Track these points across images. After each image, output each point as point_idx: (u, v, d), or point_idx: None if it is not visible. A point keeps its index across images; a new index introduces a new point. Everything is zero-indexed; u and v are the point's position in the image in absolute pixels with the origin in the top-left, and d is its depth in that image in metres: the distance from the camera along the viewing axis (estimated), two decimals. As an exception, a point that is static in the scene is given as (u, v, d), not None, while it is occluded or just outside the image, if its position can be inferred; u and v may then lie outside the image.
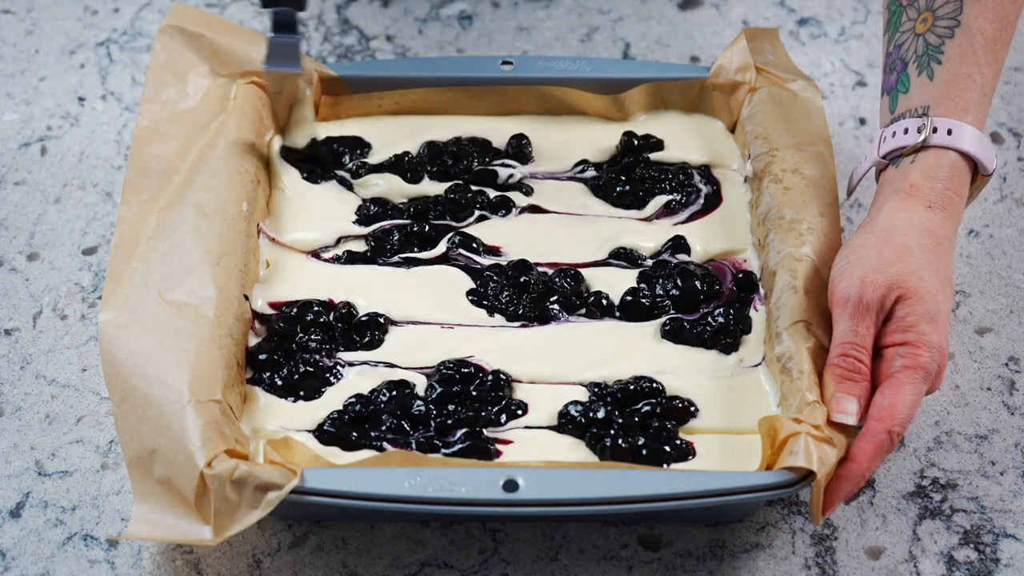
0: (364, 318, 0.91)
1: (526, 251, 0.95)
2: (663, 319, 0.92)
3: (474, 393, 0.86)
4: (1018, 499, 0.89)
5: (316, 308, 0.90)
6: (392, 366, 0.89)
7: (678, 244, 0.96)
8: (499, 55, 1.11)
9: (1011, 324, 0.99)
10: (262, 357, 0.88)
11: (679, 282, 0.93)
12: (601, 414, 0.85)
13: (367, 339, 0.90)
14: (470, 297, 0.93)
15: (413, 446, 0.84)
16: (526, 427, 0.86)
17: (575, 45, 1.20)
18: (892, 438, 0.80)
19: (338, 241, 0.96)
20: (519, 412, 0.86)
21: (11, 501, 0.87)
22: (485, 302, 0.93)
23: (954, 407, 0.94)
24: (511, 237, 0.97)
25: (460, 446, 0.84)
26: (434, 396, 0.86)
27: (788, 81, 1.02)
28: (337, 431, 0.84)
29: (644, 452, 0.83)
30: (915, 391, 0.81)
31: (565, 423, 0.85)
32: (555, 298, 0.92)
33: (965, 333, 0.98)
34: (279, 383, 0.87)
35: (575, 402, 0.86)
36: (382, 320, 0.91)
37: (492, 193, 0.99)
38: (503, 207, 0.98)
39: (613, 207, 0.99)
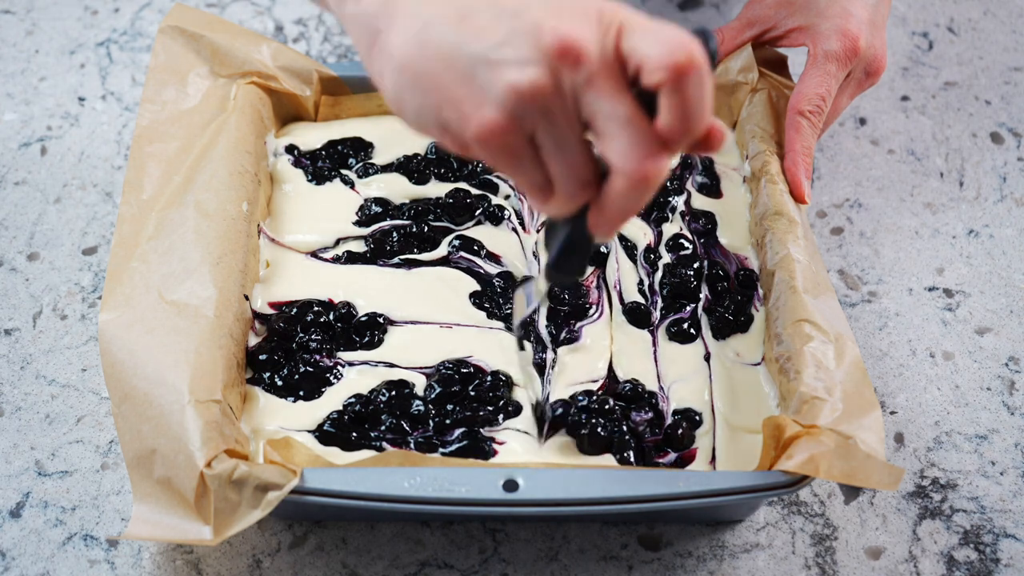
0: (364, 318, 0.91)
1: (524, 261, 0.96)
2: (667, 322, 0.92)
3: (472, 393, 0.86)
4: (1018, 499, 0.89)
5: (316, 308, 0.90)
6: (392, 366, 0.89)
7: (677, 242, 0.97)
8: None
9: (1011, 324, 0.99)
10: (262, 357, 0.88)
11: (681, 280, 0.94)
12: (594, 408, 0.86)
13: (366, 339, 0.90)
14: (473, 300, 0.93)
15: (412, 445, 0.84)
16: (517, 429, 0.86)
17: (575, 45, 1.20)
18: (808, 118, 0.95)
19: (337, 242, 0.96)
20: (515, 413, 0.87)
21: (11, 501, 0.87)
22: (487, 305, 0.93)
23: (954, 407, 0.94)
24: (514, 248, 0.97)
25: (457, 445, 0.84)
26: (433, 396, 0.86)
27: (788, 83, 1.02)
28: (337, 431, 0.84)
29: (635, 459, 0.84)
30: (817, 74, 0.96)
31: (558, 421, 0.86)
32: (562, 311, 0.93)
33: (965, 333, 0.98)
34: (279, 383, 0.87)
35: (564, 401, 0.87)
36: (381, 320, 0.91)
37: (494, 200, 0.99)
38: (502, 218, 0.98)
39: None
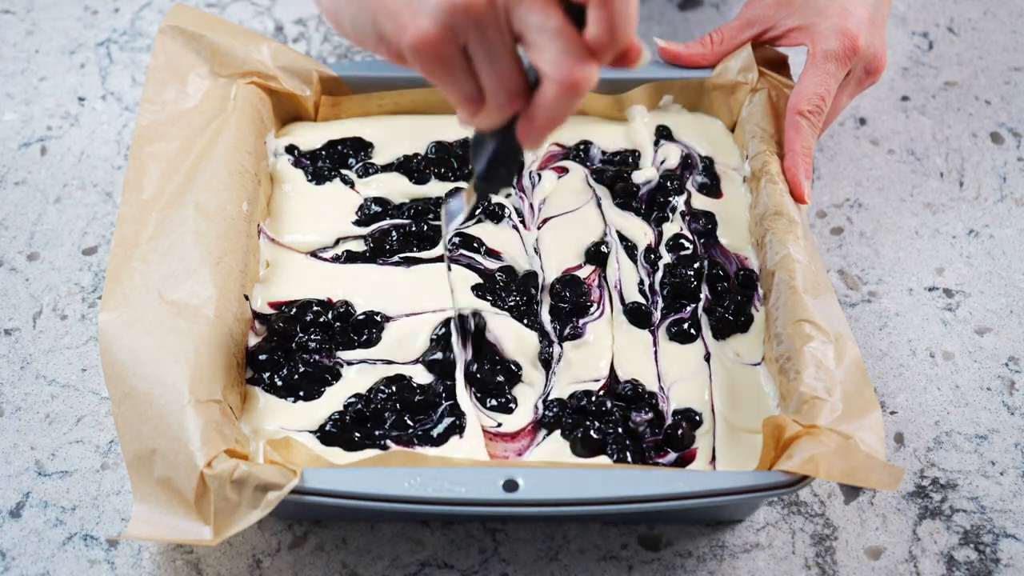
0: (361, 316, 0.91)
1: (525, 257, 0.96)
2: (667, 322, 0.92)
3: (479, 376, 0.87)
4: (1018, 499, 0.89)
5: (315, 308, 0.91)
6: (390, 362, 0.89)
7: (677, 242, 0.97)
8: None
9: (1011, 324, 0.99)
10: (262, 357, 0.88)
11: (681, 280, 0.94)
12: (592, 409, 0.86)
13: (364, 337, 0.90)
14: (476, 292, 0.93)
15: (415, 441, 0.84)
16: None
17: (575, 45, 1.20)
18: (807, 118, 0.95)
19: (337, 242, 0.96)
20: (512, 407, 0.87)
21: (11, 501, 0.87)
22: (489, 297, 0.93)
23: (954, 407, 0.94)
24: (515, 245, 0.97)
25: (447, 420, 0.85)
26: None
27: (788, 83, 1.02)
28: (339, 432, 0.84)
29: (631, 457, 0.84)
30: (817, 74, 0.96)
31: (552, 421, 0.86)
32: (565, 307, 0.93)
33: (965, 333, 0.98)
34: (279, 383, 0.87)
35: (560, 401, 0.87)
36: (379, 318, 0.91)
37: (493, 199, 0.99)
38: (502, 216, 0.98)
39: (614, 198, 1.00)
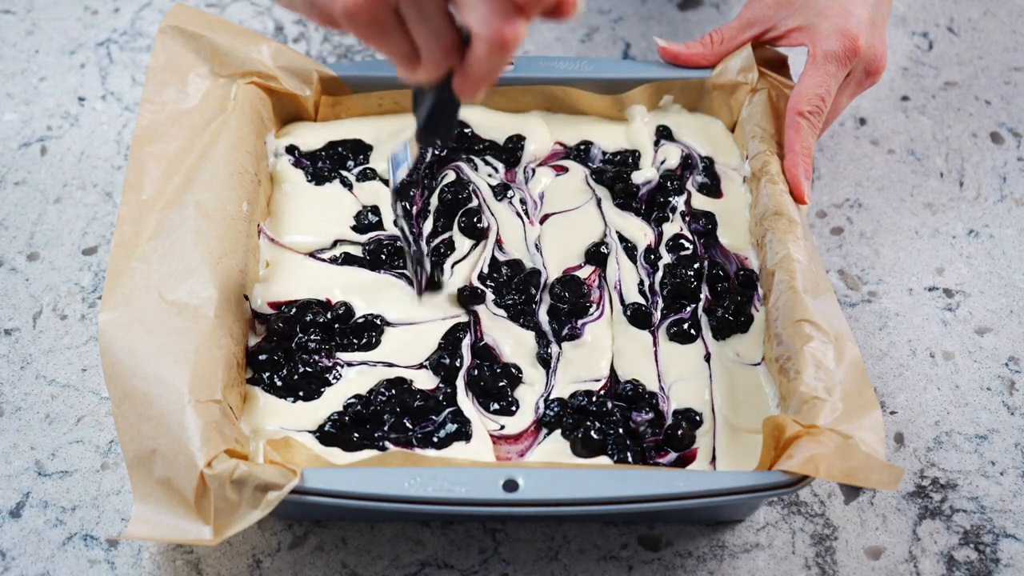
0: (361, 320, 0.91)
1: (528, 253, 0.96)
2: (667, 322, 0.92)
3: (481, 384, 0.87)
4: (1018, 499, 0.89)
5: (315, 308, 0.90)
6: (391, 365, 0.89)
7: (677, 242, 0.97)
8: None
9: (1011, 324, 0.99)
10: (262, 357, 0.88)
11: (681, 280, 0.94)
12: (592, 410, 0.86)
13: (364, 340, 0.90)
14: (480, 280, 0.93)
15: (414, 442, 0.84)
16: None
17: (575, 45, 1.20)
18: (807, 118, 0.96)
19: (335, 244, 0.96)
20: (513, 409, 0.87)
21: (11, 501, 0.87)
22: (490, 283, 0.93)
23: (954, 407, 0.94)
24: (520, 241, 0.97)
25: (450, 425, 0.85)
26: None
27: (788, 83, 1.02)
28: (338, 432, 0.84)
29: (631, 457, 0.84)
30: (817, 74, 0.96)
31: (552, 421, 0.86)
32: (564, 307, 0.93)
33: (965, 333, 0.98)
34: (279, 383, 0.87)
35: (561, 400, 0.87)
36: (379, 322, 0.91)
37: (492, 181, 1.00)
38: (503, 193, 1.00)
39: (614, 198, 1.00)
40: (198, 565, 0.84)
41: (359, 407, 0.85)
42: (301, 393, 0.87)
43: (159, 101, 0.97)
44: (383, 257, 0.96)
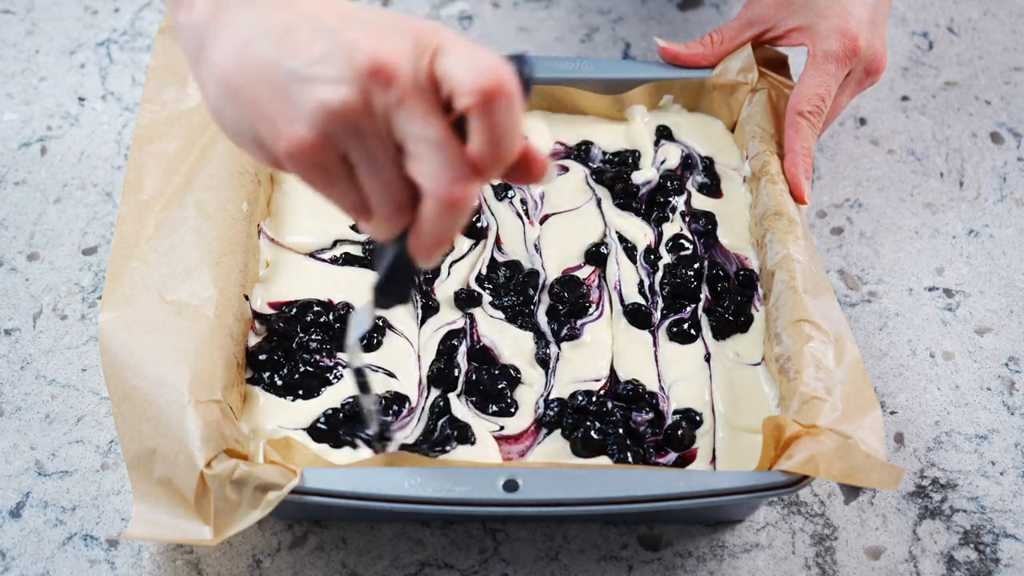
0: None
1: (527, 253, 0.96)
2: (667, 322, 0.92)
3: (480, 387, 0.87)
4: (1018, 499, 0.89)
5: (316, 308, 0.90)
6: (391, 375, 0.88)
7: (677, 242, 0.97)
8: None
9: (1011, 324, 0.99)
10: (262, 357, 0.88)
11: (681, 280, 0.94)
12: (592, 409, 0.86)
13: (364, 343, 0.90)
14: (478, 282, 0.93)
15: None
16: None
17: (575, 45, 1.20)
18: (807, 118, 0.96)
19: (335, 244, 0.96)
20: (512, 410, 0.87)
21: (11, 501, 0.87)
22: (488, 285, 0.93)
23: (954, 407, 0.94)
24: (519, 241, 0.97)
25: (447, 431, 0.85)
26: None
27: (788, 83, 1.02)
28: (329, 428, 0.84)
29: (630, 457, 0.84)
30: (817, 74, 0.96)
31: (551, 421, 0.86)
32: (563, 308, 0.93)
33: (965, 333, 0.98)
34: (279, 383, 0.87)
35: (560, 400, 0.87)
36: (380, 323, 0.91)
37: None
38: (504, 192, 1.00)
39: (614, 199, 1.00)
40: (198, 565, 0.84)
41: (356, 407, 0.85)
42: (301, 393, 0.87)
43: (159, 101, 0.97)
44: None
